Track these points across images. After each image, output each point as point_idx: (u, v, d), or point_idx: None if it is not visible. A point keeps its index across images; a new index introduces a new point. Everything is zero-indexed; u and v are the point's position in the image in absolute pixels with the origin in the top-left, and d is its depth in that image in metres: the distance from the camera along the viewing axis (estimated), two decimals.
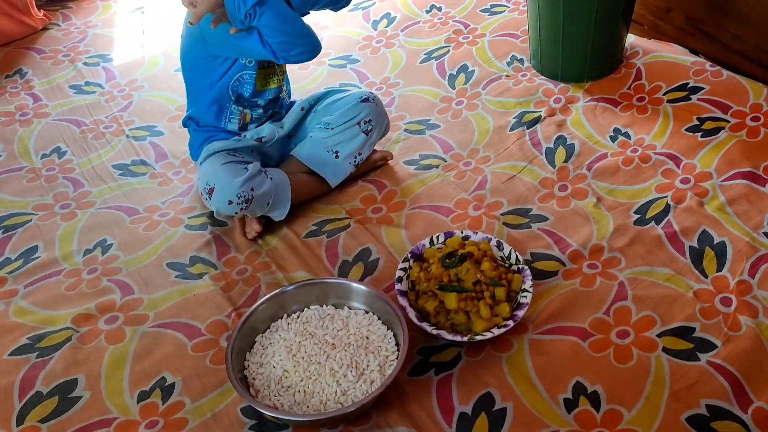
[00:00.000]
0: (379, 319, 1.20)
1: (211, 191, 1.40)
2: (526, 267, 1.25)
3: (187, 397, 1.17)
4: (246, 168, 1.41)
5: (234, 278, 1.40)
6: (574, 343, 1.19)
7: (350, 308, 1.23)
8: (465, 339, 1.14)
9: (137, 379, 1.21)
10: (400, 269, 1.27)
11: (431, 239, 1.33)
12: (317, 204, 1.57)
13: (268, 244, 1.48)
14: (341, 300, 1.24)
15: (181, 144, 1.74)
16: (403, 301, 1.20)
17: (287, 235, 1.49)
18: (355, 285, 1.23)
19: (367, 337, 1.16)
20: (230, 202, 1.37)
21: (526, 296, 1.21)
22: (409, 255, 1.30)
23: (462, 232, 1.34)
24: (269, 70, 1.50)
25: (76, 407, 1.17)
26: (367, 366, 1.11)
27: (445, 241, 1.33)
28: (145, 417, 1.15)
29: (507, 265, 1.28)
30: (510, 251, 1.29)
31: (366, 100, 1.55)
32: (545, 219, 1.46)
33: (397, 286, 1.23)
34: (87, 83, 2.06)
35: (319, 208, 1.56)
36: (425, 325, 1.17)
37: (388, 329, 1.18)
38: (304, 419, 1.03)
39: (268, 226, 1.49)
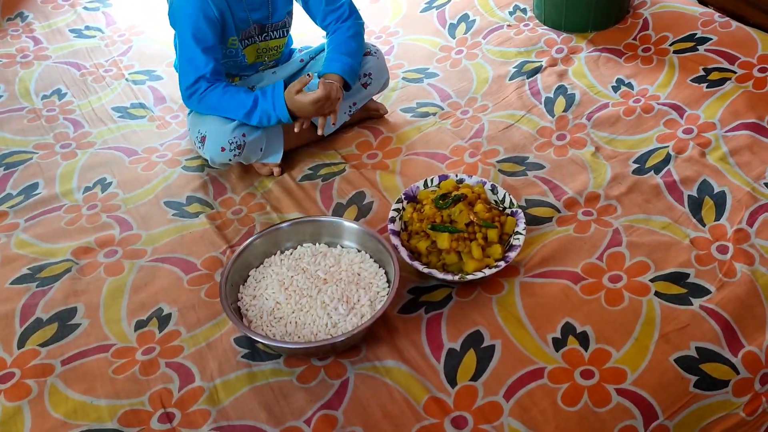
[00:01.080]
0: (371, 257, 1.21)
1: (203, 139, 1.40)
2: (519, 210, 1.26)
3: (182, 326, 1.19)
4: None
5: (229, 218, 1.41)
6: (565, 286, 1.19)
7: (343, 247, 1.24)
8: (456, 278, 1.15)
9: (135, 309, 1.23)
10: (393, 210, 1.27)
11: (425, 182, 1.33)
12: (313, 149, 1.57)
13: (263, 187, 1.48)
14: (334, 239, 1.25)
15: (178, 88, 1.73)
16: (395, 240, 1.21)
17: (283, 178, 1.49)
18: (347, 224, 1.24)
19: (359, 274, 1.17)
20: (222, 149, 1.37)
21: (518, 239, 1.21)
22: (403, 196, 1.30)
23: (456, 175, 1.34)
24: (262, 46, 1.50)
25: (75, 333, 1.19)
26: (358, 300, 1.12)
27: (439, 183, 1.33)
28: (141, 344, 1.17)
29: (501, 209, 1.28)
30: (504, 195, 1.29)
31: (368, 53, 1.53)
32: (541, 167, 1.45)
33: (390, 226, 1.24)
34: (87, 27, 2.04)
35: (315, 153, 1.56)
36: (417, 264, 1.17)
37: (380, 267, 1.19)
38: (296, 347, 1.05)
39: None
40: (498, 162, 1.47)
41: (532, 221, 1.32)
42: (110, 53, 1.93)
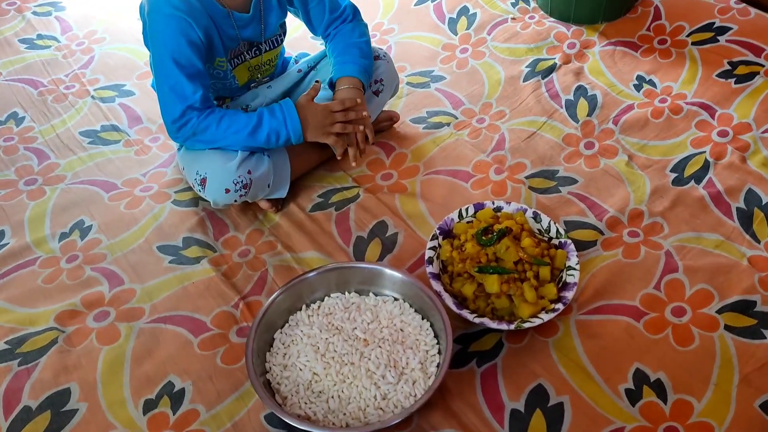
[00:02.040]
0: (411, 306, 1.07)
1: (203, 182, 1.22)
2: (569, 241, 1.13)
3: (200, 404, 1.03)
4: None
5: (236, 261, 1.24)
6: (627, 324, 1.08)
7: (377, 295, 1.10)
8: (512, 327, 1.02)
9: (140, 386, 1.06)
10: (429, 249, 1.13)
11: (460, 212, 1.20)
12: (319, 171, 1.40)
13: (270, 221, 1.32)
14: (365, 285, 1.10)
15: (155, 105, 1.51)
16: (437, 286, 1.07)
17: (291, 210, 1.33)
18: (379, 268, 1.09)
19: (402, 330, 1.03)
20: (227, 191, 1.20)
21: (573, 275, 1.09)
22: (438, 231, 1.16)
23: (493, 203, 1.20)
24: (254, 63, 1.32)
25: (72, 423, 1.02)
26: (407, 364, 0.98)
27: (475, 213, 1.19)
28: (154, 431, 1.01)
29: (547, 239, 1.16)
30: (549, 223, 1.17)
31: (376, 57, 1.37)
32: (574, 181, 1.33)
33: (429, 269, 1.10)
34: (39, 36, 1.81)
35: (322, 177, 1.40)
36: (465, 313, 1.04)
37: (423, 318, 1.06)
38: None
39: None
40: (526, 178, 1.34)
41: (576, 247, 1.20)
42: (70, 66, 1.71)
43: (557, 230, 1.16)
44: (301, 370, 0.99)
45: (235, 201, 1.23)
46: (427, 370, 0.98)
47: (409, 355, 0.99)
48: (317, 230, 1.28)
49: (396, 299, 1.09)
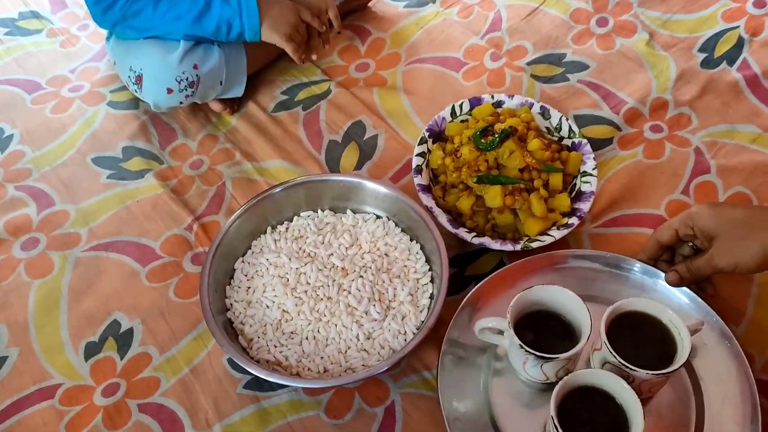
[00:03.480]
0: (396, 226, 0.90)
1: (139, 79, 0.99)
2: (584, 141, 0.95)
3: (152, 345, 0.87)
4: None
5: (187, 174, 1.05)
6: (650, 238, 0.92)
7: (354, 212, 0.92)
8: (518, 247, 0.86)
9: (80, 326, 0.90)
10: (417, 155, 0.94)
11: (452, 109, 0.99)
12: (282, 63, 1.18)
13: (225, 124, 1.11)
14: (341, 202, 0.92)
15: None
16: (427, 200, 0.89)
17: (249, 110, 1.12)
18: (357, 180, 0.90)
19: (386, 255, 0.86)
20: (169, 91, 0.98)
21: (588, 181, 0.91)
22: (426, 133, 0.97)
23: (492, 97, 1.00)
24: None
25: (2, 372, 0.86)
26: (394, 296, 0.82)
27: (471, 110, 0.99)
28: (100, 380, 0.85)
29: (558, 140, 0.97)
30: (560, 120, 0.97)
31: None
32: (585, 67, 1.13)
33: (417, 180, 0.92)
34: None
35: (286, 69, 1.18)
36: (462, 232, 0.87)
37: (411, 240, 0.88)
38: (327, 384, 0.75)
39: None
40: (528, 64, 1.14)
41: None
42: None
43: (570, 128, 0.97)
44: (268, 307, 0.82)
45: (181, 103, 1.02)
46: (419, 302, 0.82)
47: (397, 286, 0.83)
48: (282, 134, 1.08)
49: (379, 217, 0.91)
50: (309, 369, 0.78)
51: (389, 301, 0.82)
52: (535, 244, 0.86)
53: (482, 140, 0.91)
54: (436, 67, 1.15)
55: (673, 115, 1.05)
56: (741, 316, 0.84)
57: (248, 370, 0.74)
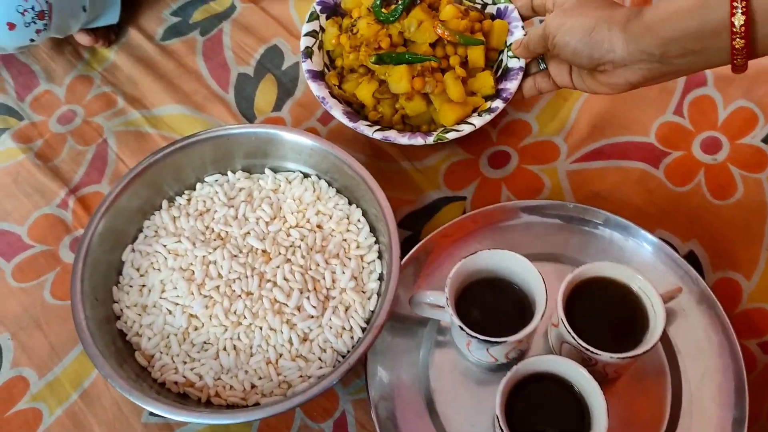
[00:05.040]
0: (330, 186, 0.70)
1: None
2: (510, 6, 0.75)
3: (28, 367, 0.68)
4: None
5: (56, 132, 0.81)
6: (642, 172, 0.75)
7: (275, 171, 0.71)
8: (430, 140, 0.69)
9: None
10: (305, 35, 0.75)
11: None
12: None
13: (101, 61, 0.87)
14: (257, 159, 0.71)
15: None
16: (318, 89, 0.71)
17: (132, 39, 0.88)
18: (275, 130, 0.69)
19: (320, 227, 0.67)
20: (11, 26, 0.72)
21: (516, 57, 0.73)
22: (317, 7, 0.76)
23: None
24: None
25: None
26: (333, 283, 0.64)
27: None
28: None
29: (480, 6, 0.78)
30: None
31: None
32: None
33: (306, 64, 0.73)
34: None
35: None
36: (362, 127, 0.69)
37: (351, 204, 0.69)
38: (258, 416, 0.58)
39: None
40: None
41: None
42: None
43: None
44: (170, 312, 0.63)
45: (32, 41, 0.76)
46: (365, 286, 0.64)
47: (336, 268, 0.64)
48: (176, 69, 0.85)
49: (306, 176, 0.71)
50: (231, 388, 0.61)
51: (327, 289, 0.63)
52: (450, 135, 0.69)
53: (383, 11, 0.72)
54: None
55: None
56: (752, 267, 0.69)
57: (146, 408, 0.56)
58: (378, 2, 0.72)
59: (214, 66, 0.85)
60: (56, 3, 0.75)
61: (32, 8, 0.73)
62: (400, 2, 0.71)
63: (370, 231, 0.67)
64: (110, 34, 0.86)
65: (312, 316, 0.62)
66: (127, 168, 0.77)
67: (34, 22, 0.74)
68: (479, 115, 0.70)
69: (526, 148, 0.78)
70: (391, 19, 0.71)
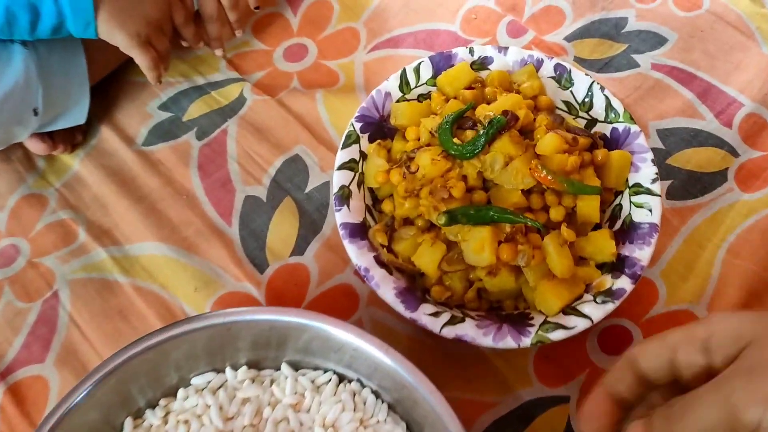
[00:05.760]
0: (380, 399, 0.47)
1: None
2: (633, 128, 0.53)
3: None
4: None
5: None
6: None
7: (295, 367, 0.48)
8: (526, 343, 0.45)
9: None
10: (339, 168, 0.52)
11: (402, 75, 0.56)
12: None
13: (61, 172, 0.64)
14: (267, 350, 0.48)
15: None
16: (360, 256, 0.49)
17: (104, 143, 0.65)
18: (312, 321, 0.45)
19: None
20: None
21: (647, 205, 0.50)
22: (357, 124, 0.54)
23: (471, 51, 0.57)
24: None
25: None
26: None
27: (434, 76, 0.56)
28: None
29: (585, 124, 0.55)
30: (590, 87, 0.55)
31: None
32: (661, 40, 0.69)
33: (340, 214, 0.51)
34: None
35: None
36: (425, 318, 0.46)
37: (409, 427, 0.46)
38: None
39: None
40: (568, 40, 0.69)
41: (682, 189, 0.60)
42: None
43: (608, 103, 0.54)
44: None
45: None
46: None
47: None
48: (162, 188, 0.62)
49: (343, 379, 0.47)
50: None
51: None
52: (555, 335, 0.45)
53: (455, 141, 0.49)
54: (417, 51, 0.70)
55: None
56: None
57: None
58: (447, 125, 0.50)
59: (212, 184, 0.62)
60: None
61: None
62: (481, 128, 0.49)
63: None
64: (75, 135, 0.64)
65: None
66: (84, 338, 0.54)
67: None
68: (595, 297, 0.47)
69: (651, 320, 0.55)
70: (467, 154, 0.48)
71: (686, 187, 0.60)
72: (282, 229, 0.59)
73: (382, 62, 0.69)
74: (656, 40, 0.69)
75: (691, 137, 0.63)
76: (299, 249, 0.58)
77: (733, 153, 0.62)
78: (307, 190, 0.61)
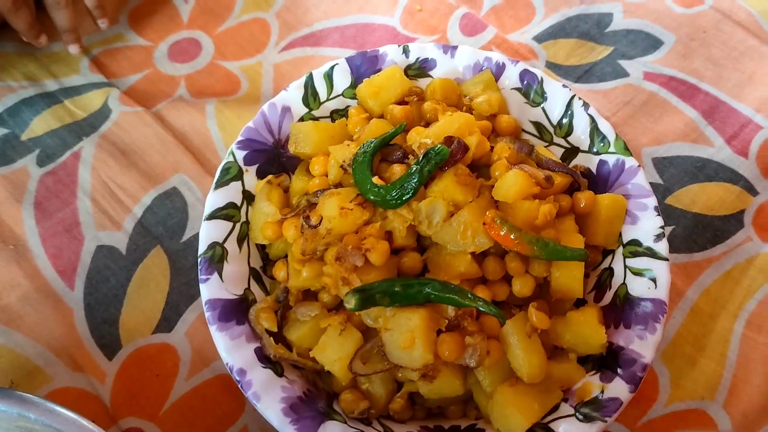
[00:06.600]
0: None
1: None
2: (629, 161, 0.39)
3: None
4: None
5: None
6: None
7: None
8: None
9: None
10: (209, 218, 0.37)
11: (308, 82, 0.41)
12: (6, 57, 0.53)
13: None
14: None
15: None
16: (233, 353, 0.34)
17: None
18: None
19: None
20: None
21: (649, 273, 0.36)
22: (238, 152, 0.38)
23: (405, 51, 0.42)
24: None
25: None
26: None
27: (355, 84, 0.42)
28: None
29: (563, 154, 0.42)
30: (569, 102, 0.41)
31: None
32: (656, 43, 0.55)
33: (206, 285, 0.35)
34: None
35: (8, 59, 0.53)
36: None
37: None
38: None
39: None
40: (538, 41, 0.54)
41: (687, 238, 0.46)
42: None
43: (593, 126, 0.39)
44: None
45: None
46: None
47: None
48: None
49: None
50: None
51: None
52: None
53: (375, 177, 0.34)
54: (344, 51, 0.54)
55: None
56: None
57: None
58: (366, 156, 0.34)
59: (53, 228, 0.45)
60: None
61: None
62: (414, 162, 0.34)
63: None
64: None
65: None
66: None
67: None
68: (577, 410, 0.33)
69: (651, 425, 0.39)
70: (393, 201, 0.33)
71: (691, 235, 0.46)
72: (145, 295, 0.42)
73: (298, 64, 0.53)
74: (648, 43, 0.54)
75: (696, 169, 0.48)
76: (167, 323, 0.41)
77: (751, 190, 0.47)
78: (184, 238, 0.44)
